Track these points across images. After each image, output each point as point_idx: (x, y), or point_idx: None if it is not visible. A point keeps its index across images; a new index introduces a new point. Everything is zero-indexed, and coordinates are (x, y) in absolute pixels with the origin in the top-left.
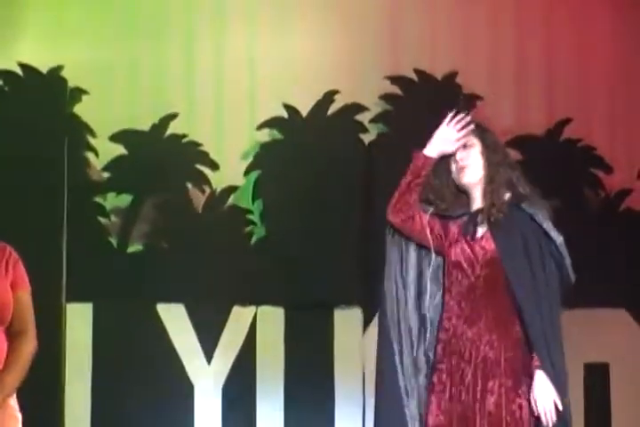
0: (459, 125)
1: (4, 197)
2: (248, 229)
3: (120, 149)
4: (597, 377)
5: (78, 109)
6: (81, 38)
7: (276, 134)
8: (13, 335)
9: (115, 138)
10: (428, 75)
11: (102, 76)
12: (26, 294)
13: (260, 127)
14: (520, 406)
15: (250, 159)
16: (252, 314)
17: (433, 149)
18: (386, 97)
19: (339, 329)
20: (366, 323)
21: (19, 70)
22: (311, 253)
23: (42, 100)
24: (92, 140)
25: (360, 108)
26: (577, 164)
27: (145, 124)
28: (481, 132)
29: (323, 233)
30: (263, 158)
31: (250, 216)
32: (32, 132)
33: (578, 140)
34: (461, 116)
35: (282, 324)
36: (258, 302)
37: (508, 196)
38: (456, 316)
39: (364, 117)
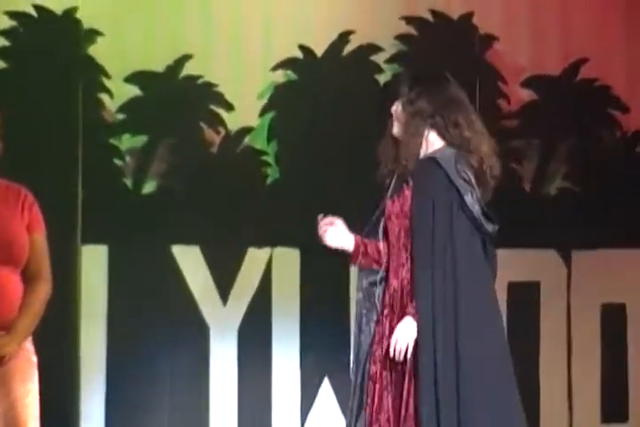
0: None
1: (19, 140)
2: (263, 170)
3: (135, 91)
4: (614, 318)
5: (93, 51)
6: None
7: (291, 75)
8: (29, 278)
9: (129, 79)
10: (443, 15)
11: (117, 18)
12: (41, 237)
13: (275, 68)
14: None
15: (265, 100)
16: (268, 256)
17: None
18: (401, 37)
19: (355, 270)
20: None
21: (33, 11)
22: (326, 194)
23: (56, 41)
24: (106, 82)
25: (375, 48)
26: (593, 104)
27: (160, 66)
28: (412, 80)
29: (337, 174)
30: (278, 99)
31: (265, 157)
32: (46, 73)
33: (594, 79)
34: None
35: (297, 265)
36: (273, 244)
37: (419, 147)
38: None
39: (379, 58)
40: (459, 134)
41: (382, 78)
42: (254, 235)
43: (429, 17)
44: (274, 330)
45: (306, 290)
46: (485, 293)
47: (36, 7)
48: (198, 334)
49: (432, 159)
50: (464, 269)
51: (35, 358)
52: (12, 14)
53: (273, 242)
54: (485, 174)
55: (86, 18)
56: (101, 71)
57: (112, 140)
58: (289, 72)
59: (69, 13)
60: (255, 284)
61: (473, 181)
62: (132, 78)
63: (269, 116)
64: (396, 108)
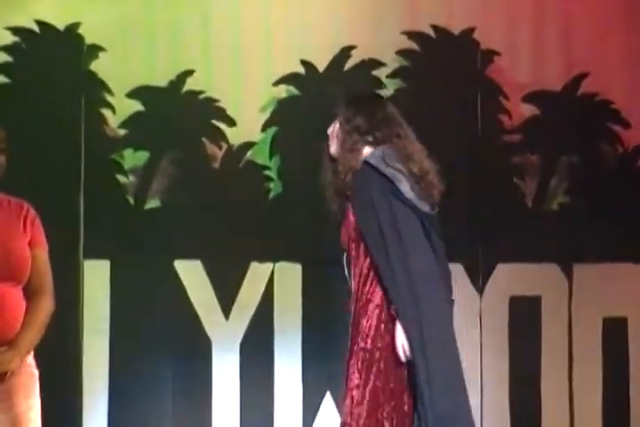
0: None
1: (22, 155)
2: (265, 185)
3: (137, 106)
4: (616, 332)
5: (95, 66)
6: None
7: (293, 90)
8: (31, 294)
9: (132, 95)
10: (445, 30)
11: (119, 33)
12: (43, 253)
13: (277, 83)
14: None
15: (267, 115)
16: (270, 270)
17: None
18: (403, 53)
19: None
20: None
21: (35, 27)
22: (328, 209)
23: (58, 57)
24: (108, 98)
25: (377, 63)
26: (594, 118)
27: (162, 81)
28: (348, 101)
29: None
30: (280, 114)
31: (267, 172)
32: (49, 89)
33: (595, 94)
34: None
35: (299, 280)
36: (275, 259)
37: (357, 163)
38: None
39: (380, 73)
40: (402, 145)
41: (384, 93)
42: (256, 249)
43: (431, 32)
44: (276, 344)
45: (308, 304)
46: (428, 269)
47: (39, 23)
48: (200, 348)
49: (364, 162)
50: (412, 254)
51: (36, 372)
52: (14, 30)
53: (275, 257)
54: (429, 187)
55: (88, 33)
56: (103, 87)
57: (114, 156)
58: (291, 87)
59: (71, 29)
60: (257, 298)
61: (404, 170)
62: (135, 94)
63: (271, 130)
64: (333, 127)
